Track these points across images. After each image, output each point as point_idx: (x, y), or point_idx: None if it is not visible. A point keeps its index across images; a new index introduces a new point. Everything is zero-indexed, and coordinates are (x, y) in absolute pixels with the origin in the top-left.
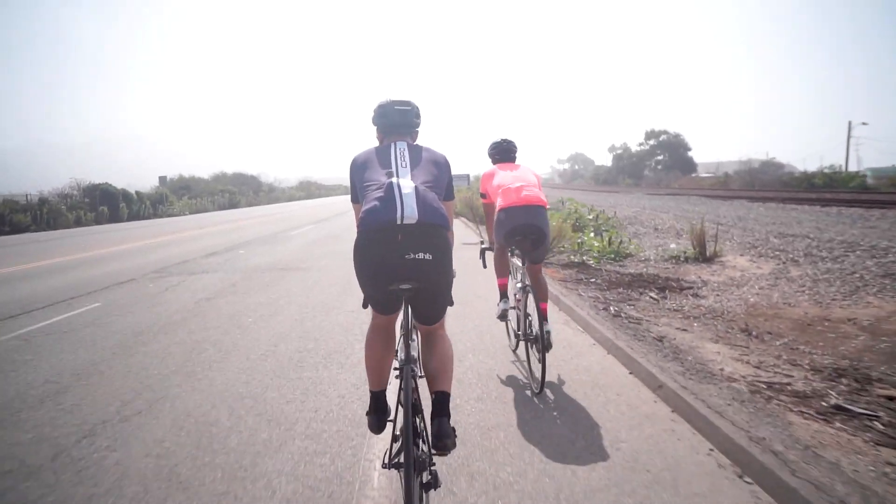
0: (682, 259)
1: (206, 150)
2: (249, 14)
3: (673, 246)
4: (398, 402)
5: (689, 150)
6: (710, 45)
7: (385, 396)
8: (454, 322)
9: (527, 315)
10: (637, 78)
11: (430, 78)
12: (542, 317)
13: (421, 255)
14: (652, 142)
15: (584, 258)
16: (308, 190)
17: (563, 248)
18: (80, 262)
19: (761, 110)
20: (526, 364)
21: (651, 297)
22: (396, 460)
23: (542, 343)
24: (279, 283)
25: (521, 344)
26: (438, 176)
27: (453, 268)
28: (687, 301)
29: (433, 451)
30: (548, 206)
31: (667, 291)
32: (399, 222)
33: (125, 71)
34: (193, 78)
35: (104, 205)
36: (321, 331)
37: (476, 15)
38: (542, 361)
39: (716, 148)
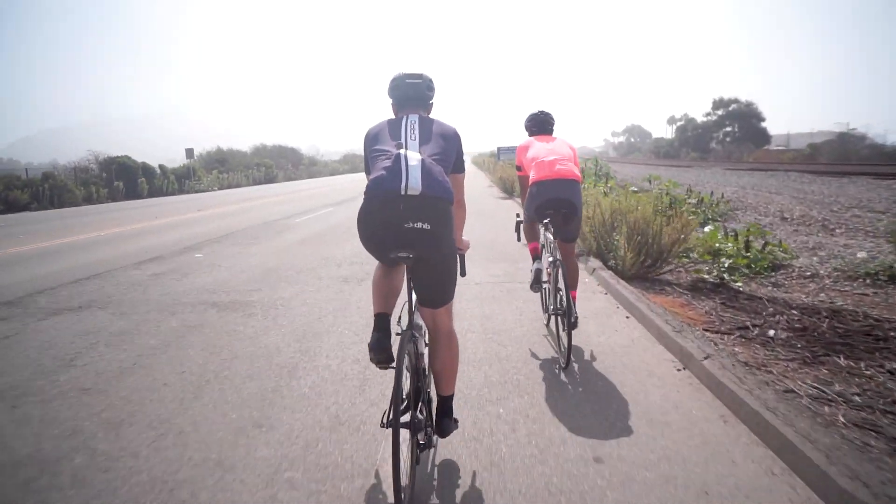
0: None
1: (254, 123)
2: None
3: (862, 255)
4: (398, 367)
5: (763, 120)
6: (770, 6)
7: (388, 320)
8: None
9: (557, 290)
10: (698, 45)
11: (480, 46)
12: (571, 304)
13: (420, 225)
14: (720, 112)
15: (718, 271)
16: (352, 163)
17: (685, 258)
18: None
19: (825, 79)
20: (555, 338)
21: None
22: (395, 420)
23: (569, 320)
24: (168, 353)
25: (552, 319)
26: (447, 149)
27: (465, 239)
28: None
29: (435, 434)
30: (582, 181)
31: None
32: (403, 193)
33: (174, 46)
34: (242, 52)
35: (121, 179)
36: None
37: None
38: (569, 336)
39: (776, 120)
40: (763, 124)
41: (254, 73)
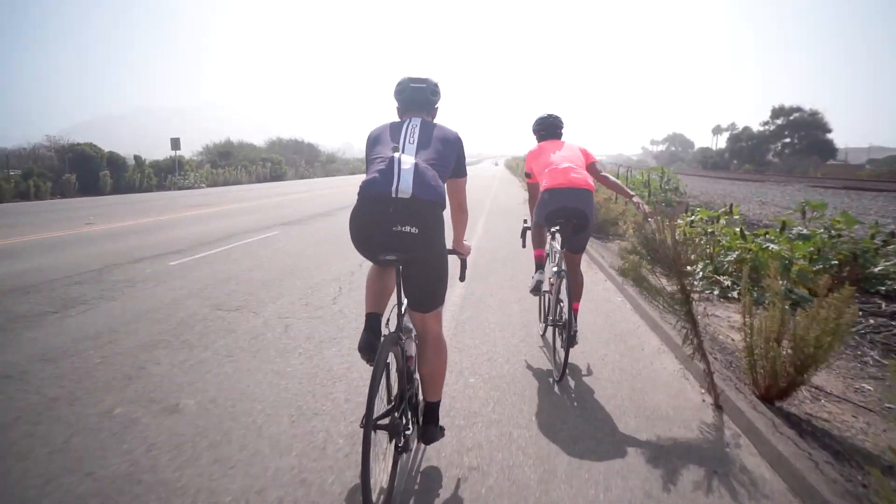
0: None
1: (289, 119)
2: None
3: None
4: (377, 368)
5: (829, 131)
6: (822, 11)
7: (379, 319)
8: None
9: (559, 300)
10: (746, 51)
11: (508, 46)
12: (573, 316)
13: (408, 229)
14: (780, 121)
15: None
16: None
17: None
18: None
19: (885, 88)
20: (551, 350)
21: None
22: (367, 421)
23: (568, 334)
24: None
25: (549, 329)
26: (445, 154)
27: (466, 243)
28: None
29: (420, 439)
30: (594, 190)
31: None
32: (394, 195)
33: (204, 40)
34: (282, 48)
35: (79, 171)
36: None
37: None
38: (566, 350)
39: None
40: (829, 136)
41: (291, 69)
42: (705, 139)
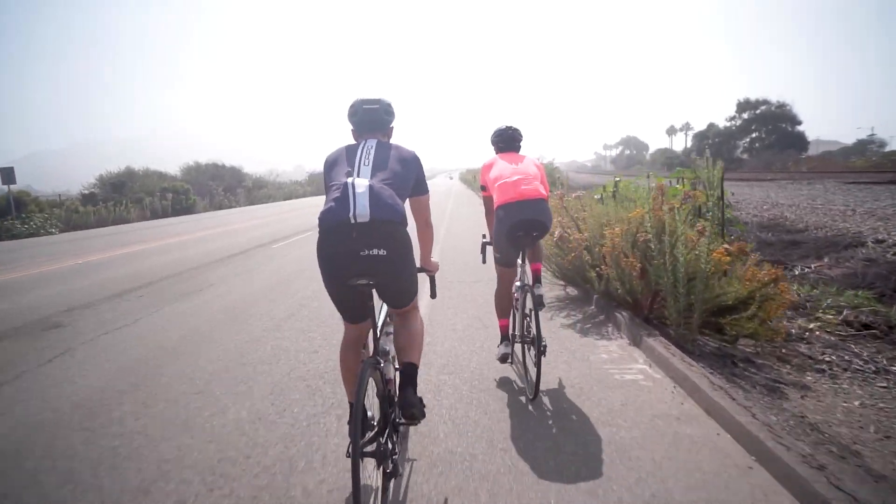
0: None
1: (233, 142)
2: None
3: None
4: (359, 396)
5: (799, 123)
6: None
7: (365, 409)
8: None
9: (525, 315)
10: (695, 50)
11: (465, 59)
12: (536, 278)
13: (375, 252)
14: (746, 115)
15: None
16: (319, 184)
17: None
18: None
19: (842, 79)
20: (521, 367)
21: None
22: (355, 451)
23: (538, 347)
24: None
25: (517, 346)
26: (403, 173)
27: (434, 260)
28: None
29: (402, 420)
30: (548, 199)
31: None
32: (353, 221)
33: (156, 68)
34: (246, 70)
35: None
36: None
37: None
38: (538, 365)
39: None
40: (799, 128)
41: (242, 90)
42: (660, 140)
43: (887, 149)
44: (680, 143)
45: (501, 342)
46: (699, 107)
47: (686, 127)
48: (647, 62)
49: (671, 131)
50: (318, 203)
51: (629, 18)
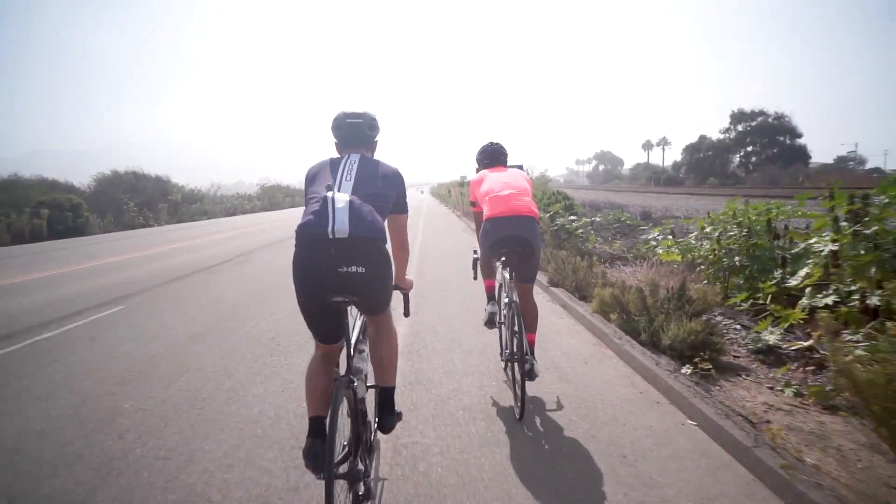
0: None
1: (250, 155)
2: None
3: None
4: (333, 416)
5: (800, 136)
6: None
7: (324, 424)
8: None
9: (514, 333)
10: (671, 64)
11: (432, 74)
12: (528, 350)
13: (354, 269)
14: (741, 127)
15: None
16: (272, 198)
17: None
18: None
19: (833, 97)
20: (511, 385)
21: None
22: (328, 472)
23: (522, 371)
24: None
25: (508, 363)
26: (384, 190)
27: (408, 278)
28: None
29: (379, 430)
30: (538, 217)
31: None
32: (331, 236)
33: (115, 75)
34: (185, 77)
35: None
36: None
37: (480, 6)
38: (523, 388)
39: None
40: (800, 140)
41: (218, 100)
42: (635, 155)
43: (868, 166)
44: (657, 158)
45: (488, 302)
46: (674, 123)
47: (663, 141)
48: (621, 77)
49: (647, 146)
50: (264, 220)
51: (600, 35)
